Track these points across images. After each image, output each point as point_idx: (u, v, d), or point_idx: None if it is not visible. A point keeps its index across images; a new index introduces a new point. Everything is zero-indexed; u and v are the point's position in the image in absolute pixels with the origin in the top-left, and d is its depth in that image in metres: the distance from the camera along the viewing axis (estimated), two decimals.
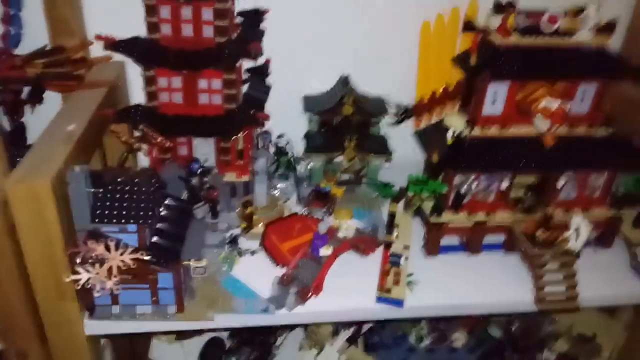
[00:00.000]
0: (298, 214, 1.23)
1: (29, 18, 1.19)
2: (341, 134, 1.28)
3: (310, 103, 1.34)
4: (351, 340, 1.49)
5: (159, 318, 0.96)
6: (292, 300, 0.99)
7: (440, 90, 1.28)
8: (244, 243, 1.15)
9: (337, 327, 1.51)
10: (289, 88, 1.33)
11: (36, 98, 1.17)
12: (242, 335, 1.58)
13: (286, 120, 1.28)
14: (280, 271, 1.06)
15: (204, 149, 1.21)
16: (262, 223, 1.17)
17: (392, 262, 1.04)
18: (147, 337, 1.58)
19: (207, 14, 1.06)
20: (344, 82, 1.30)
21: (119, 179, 0.90)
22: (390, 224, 1.09)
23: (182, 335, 1.59)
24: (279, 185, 1.30)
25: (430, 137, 1.18)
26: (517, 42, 1.03)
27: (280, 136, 1.32)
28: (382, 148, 1.30)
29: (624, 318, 1.49)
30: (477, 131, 1.08)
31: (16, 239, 0.84)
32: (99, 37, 1.06)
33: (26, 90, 1.16)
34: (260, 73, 1.30)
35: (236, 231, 1.16)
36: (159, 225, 0.94)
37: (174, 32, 1.07)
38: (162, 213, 0.96)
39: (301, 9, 1.29)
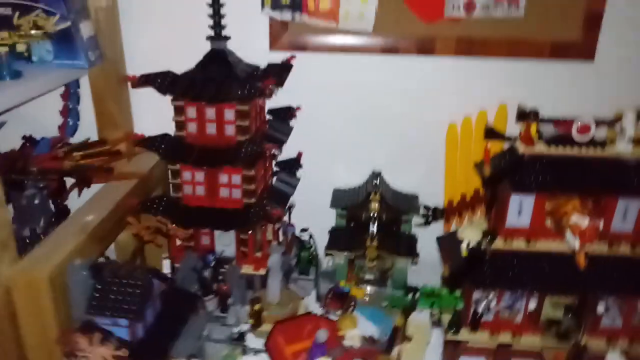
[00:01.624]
0: (312, 313, 1.18)
1: (86, 111, 1.32)
2: (367, 231, 1.24)
3: (339, 197, 1.32)
4: None
5: None
6: None
7: (471, 193, 1.21)
8: (252, 341, 1.12)
9: None
10: (318, 181, 1.33)
11: (85, 183, 1.27)
12: None
13: (313, 214, 1.27)
14: None
15: (225, 240, 1.22)
16: (269, 321, 1.14)
17: None
18: None
19: (229, 114, 1.11)
20: (374, 177, 1.27)
21: (117, 273, 0.93)
22: (391, 340, 1.00)
23: None
24: (298, 282, 1.27)
25: (446, 247, 1.10)
26: (544, 151, 0.96)
27: (303, 230, 1.31)
28: (408, 249, 1.24)
29: None
30: (499, 244, 0.99)
31: (17, 325, 0.89)
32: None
33: None
34: (291, 166, 1.32)
35: (245, 327, 1.14)
36: (152, 320, 0.95)
37: (199, 130, 1.13)
38: (159, 307, 0.97)
39: (334, 106, 1.31)
